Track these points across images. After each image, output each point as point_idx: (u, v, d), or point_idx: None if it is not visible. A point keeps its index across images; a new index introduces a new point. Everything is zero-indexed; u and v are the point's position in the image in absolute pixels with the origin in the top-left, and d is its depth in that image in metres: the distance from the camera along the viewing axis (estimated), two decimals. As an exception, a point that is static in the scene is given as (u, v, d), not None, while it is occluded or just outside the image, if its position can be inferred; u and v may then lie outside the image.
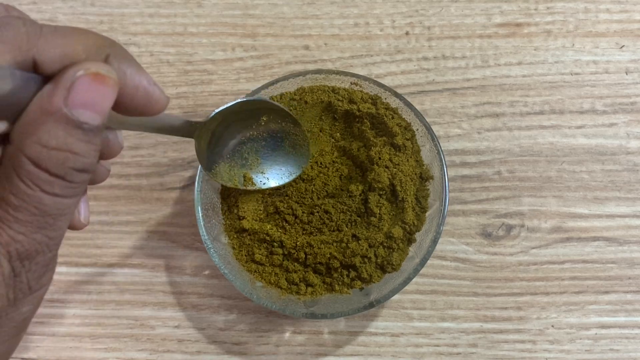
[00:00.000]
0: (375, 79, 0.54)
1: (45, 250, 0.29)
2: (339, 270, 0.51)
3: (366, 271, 0.51)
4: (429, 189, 0.53)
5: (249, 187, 0.52)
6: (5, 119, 0.27)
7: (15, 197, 0.27)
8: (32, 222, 0.27)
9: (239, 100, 0.46)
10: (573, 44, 0.63)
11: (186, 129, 0.41)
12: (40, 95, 0.26)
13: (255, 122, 0.50)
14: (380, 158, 0.52)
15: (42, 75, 0.27)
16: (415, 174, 0.53)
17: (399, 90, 0.57)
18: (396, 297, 0.57)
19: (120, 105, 0.30)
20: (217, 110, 0.45)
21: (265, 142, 0.52)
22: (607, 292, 0.58)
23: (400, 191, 0.51)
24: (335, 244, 0.51)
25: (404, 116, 0.54)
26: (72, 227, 0.36)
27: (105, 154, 0.35)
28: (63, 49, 0.27)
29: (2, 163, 0.28)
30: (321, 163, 0.54)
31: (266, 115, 0.50)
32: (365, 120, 0.54)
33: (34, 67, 0.27)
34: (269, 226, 0.52)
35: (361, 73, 0.60)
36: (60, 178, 0.27)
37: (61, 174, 0.27)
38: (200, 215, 0.51)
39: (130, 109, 0.31)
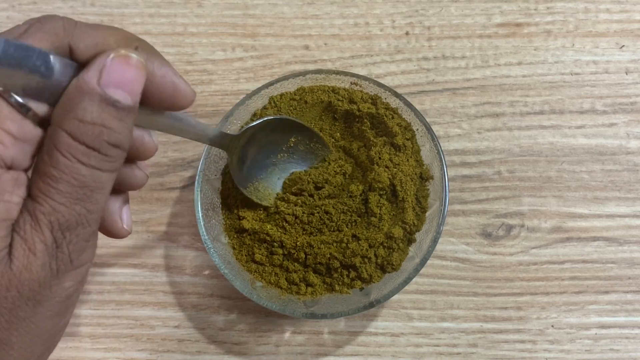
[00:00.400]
0: (375, 79, 0.54)
1: (84, 223, 0.31)
2: (339, 270, 0.51)
3: (366, 271, 0.50)
4: (429, 189, 0.53)
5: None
6: (46, 102, 0.29)
7: (55, 169, 0.29)
8: (71, 194, 0.29)
9: (268, 118, 0.49)
10: (573, 44, 0.63)
11: (220, 139, 0.44)
12: (77, 77, 0.29)
13: (284, 142, 0.52)
14: (380, 158, 0.52)
15: (78, 62, 0.30)
16: (416, 174, 0.53)
17: (399, 90, 0.57)
18: (396, 297, 0.57)
19: (149, 96, 0.32)
20: (248, 126, 0.47)
21: (296, 164, 0.54)
22: (607, 292, 0.57)
23: (401, 191, 0.51)
24: (335, 244, 0.51)
25: (404, 116, 0.54)
26: (116, 234, 0.38)
27: (141, 153, 0.37)
28: (96, 38, 0.30)
29: (44, 143, 0.30)
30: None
31: (294, 136, 0.52)
32: (365, 120, 0.54)
33: (70, 54, 0.30)
34: (269, 226, 0.52)
35: (361, 73, 0.60)
36: (96, 150, 0.29)
37: (96, 146, 0.29)
38: (200, 215, 0.51)
39: (159, 101, 0.34)
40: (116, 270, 0.59)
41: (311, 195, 0.53)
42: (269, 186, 0.52)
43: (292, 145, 0.53)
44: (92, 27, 0.31)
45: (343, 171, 0.54)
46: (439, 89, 0.62)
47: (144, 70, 0.30)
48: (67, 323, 0.35)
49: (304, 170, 0.54)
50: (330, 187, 0.53)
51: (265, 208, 0.53)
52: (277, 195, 0.53)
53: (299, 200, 0.52)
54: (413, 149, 0.54)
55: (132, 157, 0.37)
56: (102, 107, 0.29)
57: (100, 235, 0.58)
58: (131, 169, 0.38)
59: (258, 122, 0.48)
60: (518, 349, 0.56)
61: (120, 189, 0.38)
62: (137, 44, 0.32)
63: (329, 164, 0.54)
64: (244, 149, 0.49)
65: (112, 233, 0.38)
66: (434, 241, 0.50)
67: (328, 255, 0.50)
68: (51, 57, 0.28)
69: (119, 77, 0.29)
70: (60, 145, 0.29)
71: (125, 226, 0.39)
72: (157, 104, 0.34)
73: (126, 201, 0.39)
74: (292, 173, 0.54)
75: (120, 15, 0.64)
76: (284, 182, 0.54)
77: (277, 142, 0.52)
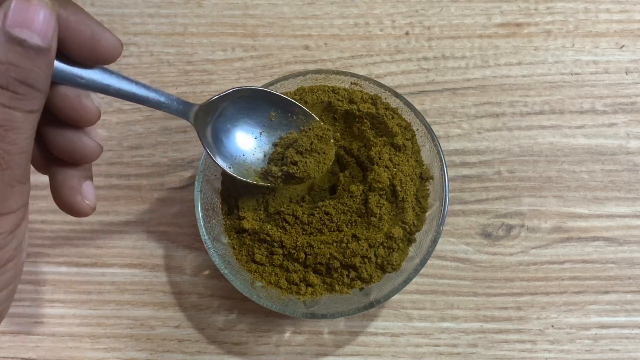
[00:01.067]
0: (375, 79, 0.54)
1: (2, 164, 0.30)
2: (339, 271, 0.51)
3: (366, 271, 0.50)
4: (429, 189, 0.53)
5: (267, 183, 0.51)
6: None
7: None
8: None
9: (237, 88, 0.46)
10: (573, 44, 0.63)
11: (177, 107, 0.42)
12: None
13: (264, 117, 0.50)
14: (380, 158, 0.52)
15: None
16: (415, 174, 0.53)
17: (399, 90, 0.57)
18: (396, 297, 0.57)
19: (67, 45, 0.33)
20: (213, 97, 0.45)
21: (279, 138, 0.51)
22: (607, 292, 0.57)
23: (400, 191, 0.51)
24: (335, 244, 0.51)
25: (404, 116, 0.54)
26: (76, 210, 0.38)
27: (83, 117, 0.36)
28: None
29: None
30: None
31: (273, 110, 0.50)
32: (365, 120, 0.54)
33: None
34: (269, 226, 0.52)
35: (361, 73, 0.60)
36: (4, 88, 0.29)
37: (4, 84, 0.29)
38: (200, 215, 0.51)
39: (79, 50, 0.33)
40: (116, 270, 0.59)
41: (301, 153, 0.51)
42: (253, 162, 0.50)
43: (272, 119, 0.50)
44: None
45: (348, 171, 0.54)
46: (439, 89, 0.62)
47: (51, 11, 0.30)
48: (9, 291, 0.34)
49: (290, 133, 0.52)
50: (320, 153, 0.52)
51: (266, 208, 0.53)
52: (263, 169, 0.50)
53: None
54: (413, 149, 0.53)
55: (74, 121, 0.36)
56: (8, 46, 0.29)
57: (100, 235, 0.59)
58: (79, 137, 0.37)
59: (225, 92, 0.46)
60: (518, 349, 0.56)
61: (73, 161, 0.38)
62: None
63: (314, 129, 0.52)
64: (216, 124, 0.47)
65: (72, 209, 0.38)
66: (434, 241, 0.50)
67: (328, 255, 0.50)
68: None
69: (24, 17, 0.29)
70: None
71: (85, 200, 0.38)
72: (79, 56, 0.34)
73: (87, 177, 0.39)
74: (281, 138, 0.51)
75: (120, 15, 0.64)
76: (274, 148, 0.51)
77: (254, 116, 0.50)
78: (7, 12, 0.29)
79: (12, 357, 0.57)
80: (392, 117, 0.53)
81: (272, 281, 0.52)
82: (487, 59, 0.63)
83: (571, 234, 0.59)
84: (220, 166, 0.48)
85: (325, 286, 0.51)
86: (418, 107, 0.58)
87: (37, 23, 0.29)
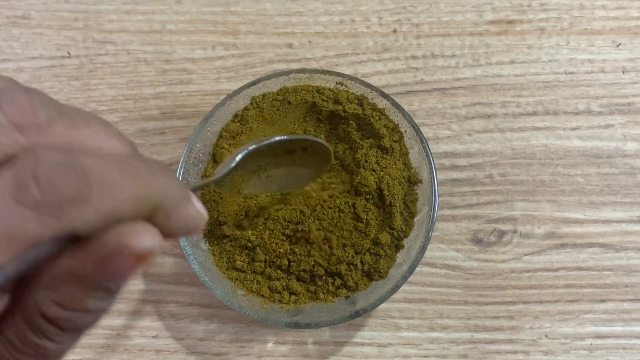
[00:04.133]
0: (361, 79, 0.54)
1: None
2: (324, 278, 0.51)
3: (352, 279, 0.50)
4: (417, 193, 0.53)
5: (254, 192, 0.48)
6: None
7: (21, 341, 0.26)
8: None
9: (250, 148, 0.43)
10: (568, 42, 0.62)
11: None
12: (72, 256, 0.25)
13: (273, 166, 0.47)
14: (366, 161, 0.52)
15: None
16: (403, 177, 0.53)
17: (386, 90, 0.57)
18: (383, 305, 0.56)
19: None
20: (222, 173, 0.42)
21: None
22: (603, 301, 0.57)
23: (388, 195, 0.51)
24: (319, 251, 0.51)
25: (391, 117, 0.54)
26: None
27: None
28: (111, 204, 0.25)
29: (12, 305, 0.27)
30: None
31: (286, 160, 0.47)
32: (351, 121, 0.54)
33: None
34: (250, 232, 0.52)
35: (347, 72, 0.60)
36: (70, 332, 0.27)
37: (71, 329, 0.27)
38: None
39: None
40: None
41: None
42: (247, 180, 0.46)
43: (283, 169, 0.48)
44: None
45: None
46: (428, 89, 0.62)
47: (154, 259, 0.26)
48: None
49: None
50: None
51: (247, 213, 0.52)
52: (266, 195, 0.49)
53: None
54: (401, 151, 0.53)
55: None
56: (89, 292, 0.25)
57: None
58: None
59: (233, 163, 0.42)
60: (510, 359, 0.56)
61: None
62: (156, 198, 0.26)
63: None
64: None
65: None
66: (423, 247, 0.50)
67: (312, 262, 0.51)
68: None
69: (124, 271, 0.25)
70: (32, 324, 0.26)
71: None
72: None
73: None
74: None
75: (95, 12, 0.64)
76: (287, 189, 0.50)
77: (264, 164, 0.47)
78: (109, 260, 0.24)
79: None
80: (379, 118, 0.53)
81: (254, 289, 0.52)
82: (478, 57, 0.62)
83: (566, 240, 0.58)
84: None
85: (310, 294, 0.52)
86: (406, 108, 0.58)
87: (135, 273, 0.26)
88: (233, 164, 0.41)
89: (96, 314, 0.27)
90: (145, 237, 0.25)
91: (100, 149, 0.26)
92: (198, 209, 0.29)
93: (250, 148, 0.42)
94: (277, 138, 0.43)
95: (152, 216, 0.26)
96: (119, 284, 0.25)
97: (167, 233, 0.27)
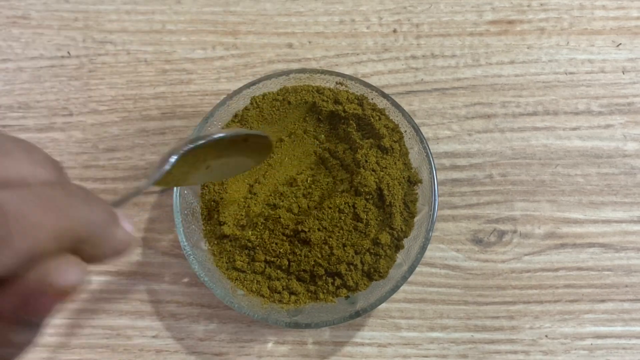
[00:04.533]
0: (361, 79, 0.54)
1: None
2: (324, 278, 0.51)
3: (352, 279, 0.50)
4: (417, 194, 0.53)
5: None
6: None
7: None
8: None
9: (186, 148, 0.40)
10: (568, 42, 0.62)
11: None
12: None
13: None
14: (366, 161, 0.52)
15: None
16: (403, 177, 0.52)
17: (386, 90, 0.57)
18: (383, 305, 0.56)
19: None
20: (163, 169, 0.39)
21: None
22: (603, 301, 0.57)
23: (388, 195, 0.51)
24: (320, 251, 0.50)
25: (391, 117, 0.54)
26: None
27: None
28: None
29: None
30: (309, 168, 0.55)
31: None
32: (351, 121, 0.54)
33: None
34: (250, 232, 0.52)
35: (347, 72, 0.60)
36: None
37: None
38: (179, 220, 0.51)
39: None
40: (91, 277, 0.58)
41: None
42: (184, 172, 0.42)
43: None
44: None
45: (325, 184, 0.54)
46: (428, 89, 0.61)
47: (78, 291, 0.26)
48: None
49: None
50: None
51: (247, 213, 0.52)
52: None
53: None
54: (401, 151, 0.53)
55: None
56: (10, 327, 0.25)
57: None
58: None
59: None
60: (510, 359, 0.56)
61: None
62: (80, 231, 0.25)
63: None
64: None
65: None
66: (423, 247, 0.50)
67: (312, 262, 0.50)
68: None
69: (46, 308, 0.25)
70: None
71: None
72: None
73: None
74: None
75: (95, 12, 0.63)
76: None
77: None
78: (31, 299, 0.24)
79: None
80: (379, 119, 0.53)
81: (254, 289, 0.52)
82: (478, 57, 0.62)
83: (566, 240, 0.58)
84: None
85: (310, 294, 0.51)
86: (406, 108, 0.58)
87: (57, 308, 0.26)
88: (167, 167, 0.38)
89: (21, 346, 0.26)
90: (69, 274, 0.25)
91: (23, 180, 0.25)
92: (126, 231, 0.28)
93: (185, 149, 0.40)
94: (214, 136, 0.41)
95: (77, 247, 0.25)
96: (42, 318, 0.25)
97: (96, 260, 0.27)
